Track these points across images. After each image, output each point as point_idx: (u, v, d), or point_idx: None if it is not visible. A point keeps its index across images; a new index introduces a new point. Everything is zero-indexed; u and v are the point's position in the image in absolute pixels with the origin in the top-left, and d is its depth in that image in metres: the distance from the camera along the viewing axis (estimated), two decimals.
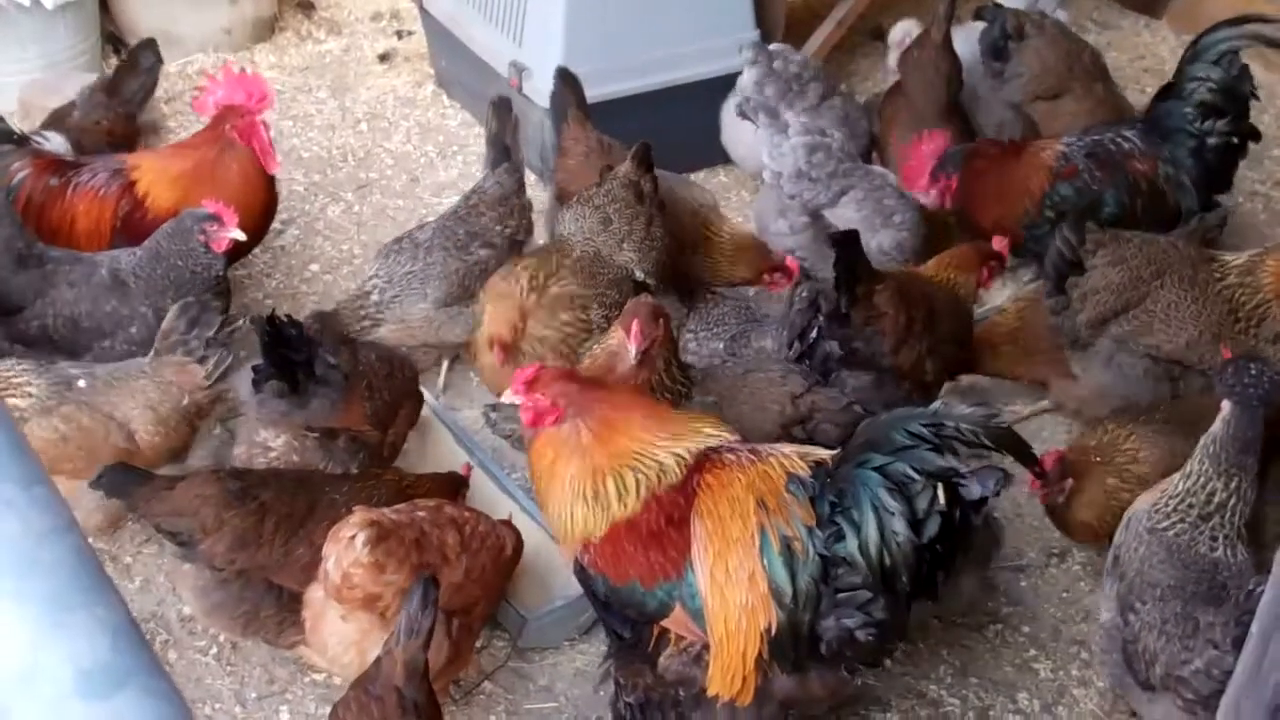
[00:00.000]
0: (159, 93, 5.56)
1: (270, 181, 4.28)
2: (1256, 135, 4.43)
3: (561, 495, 2.85)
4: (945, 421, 2.65)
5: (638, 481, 2.82)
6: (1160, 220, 4.36)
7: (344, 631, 2.98)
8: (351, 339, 3.89)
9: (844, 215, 4.50)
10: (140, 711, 0.97)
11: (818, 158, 4.47)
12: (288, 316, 3.50)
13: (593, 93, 4.60)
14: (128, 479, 3.18)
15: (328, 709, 3.36)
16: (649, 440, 2.85)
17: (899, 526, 2.66)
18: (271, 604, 3.20)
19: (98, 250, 4.06)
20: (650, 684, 2.94)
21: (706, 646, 2.84)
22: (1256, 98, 4.38)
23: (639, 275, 4.04)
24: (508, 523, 3.37)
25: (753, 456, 2.85)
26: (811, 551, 2.72)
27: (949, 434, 2.65)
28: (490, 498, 3.76)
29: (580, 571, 2.91)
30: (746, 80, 4.60)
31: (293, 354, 3.44)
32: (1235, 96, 4.27)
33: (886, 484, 2.67)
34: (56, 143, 4.44)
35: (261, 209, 4.25)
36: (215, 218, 3.85)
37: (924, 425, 2.65)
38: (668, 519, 2.80)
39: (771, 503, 2.76)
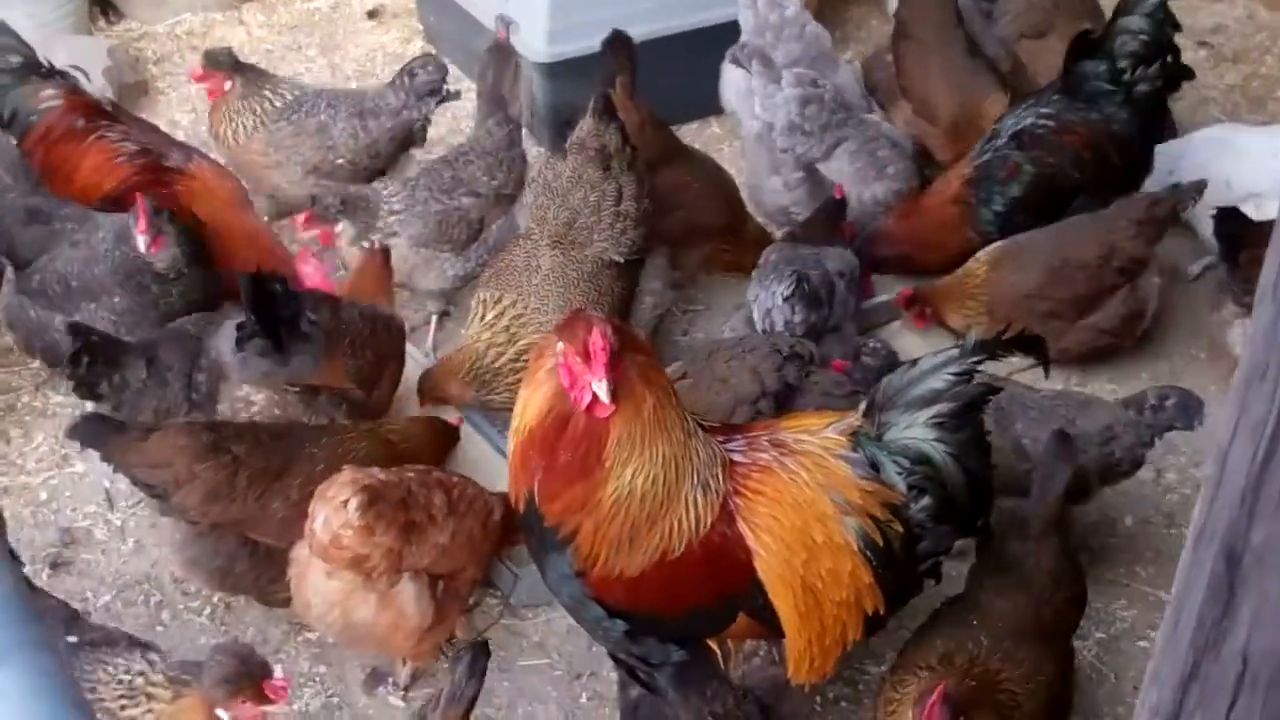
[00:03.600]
0: (148, 53, 5.53)
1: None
2: (1189, 74, 4.40)
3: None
4: (971, 358, 2.71)
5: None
6: (1113, 180, 4.33)
7: (328, 590, 2.97)
8: (334, 296, 3.85)
9: (837, 168, 4.44)
10: (20, 686, 0.95)
11: (810, 110, 4.37)
12: (271, 273, 3.46)
13: (580, 45, 4.54)
14: (103, 428, 3.16)
15: (322, 668, 3.39)
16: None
17: (975, 460, 2.74)
18: (245, 559, 3.19)
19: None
20: (736, 701, 2.84)
21: (772, 642, 2.80)
22: (1179, 29, 4.34)
23: (615, 258, 3.85)
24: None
25: (778, 448, 2.73)
26: (898, 524, 2.71)
27: (978, 363, 2.71)
28: (480, 457, 3.74)
29: (605, 613, 2.72)
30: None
31: (278, 311, 3.40)
32: (1160, 43, 4.26)
33: (943, 431, 2.71)
34: (98, 85, 4.26)
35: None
36: None
37: (961, 364, 2.70)
38: (720, 536, 2.67)
39: (854, 496, 2.69)
